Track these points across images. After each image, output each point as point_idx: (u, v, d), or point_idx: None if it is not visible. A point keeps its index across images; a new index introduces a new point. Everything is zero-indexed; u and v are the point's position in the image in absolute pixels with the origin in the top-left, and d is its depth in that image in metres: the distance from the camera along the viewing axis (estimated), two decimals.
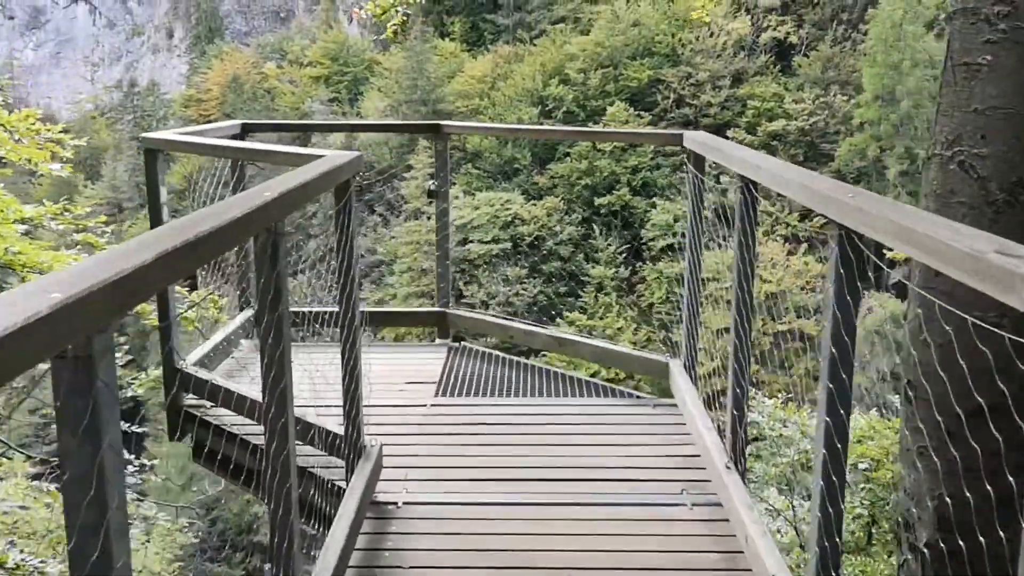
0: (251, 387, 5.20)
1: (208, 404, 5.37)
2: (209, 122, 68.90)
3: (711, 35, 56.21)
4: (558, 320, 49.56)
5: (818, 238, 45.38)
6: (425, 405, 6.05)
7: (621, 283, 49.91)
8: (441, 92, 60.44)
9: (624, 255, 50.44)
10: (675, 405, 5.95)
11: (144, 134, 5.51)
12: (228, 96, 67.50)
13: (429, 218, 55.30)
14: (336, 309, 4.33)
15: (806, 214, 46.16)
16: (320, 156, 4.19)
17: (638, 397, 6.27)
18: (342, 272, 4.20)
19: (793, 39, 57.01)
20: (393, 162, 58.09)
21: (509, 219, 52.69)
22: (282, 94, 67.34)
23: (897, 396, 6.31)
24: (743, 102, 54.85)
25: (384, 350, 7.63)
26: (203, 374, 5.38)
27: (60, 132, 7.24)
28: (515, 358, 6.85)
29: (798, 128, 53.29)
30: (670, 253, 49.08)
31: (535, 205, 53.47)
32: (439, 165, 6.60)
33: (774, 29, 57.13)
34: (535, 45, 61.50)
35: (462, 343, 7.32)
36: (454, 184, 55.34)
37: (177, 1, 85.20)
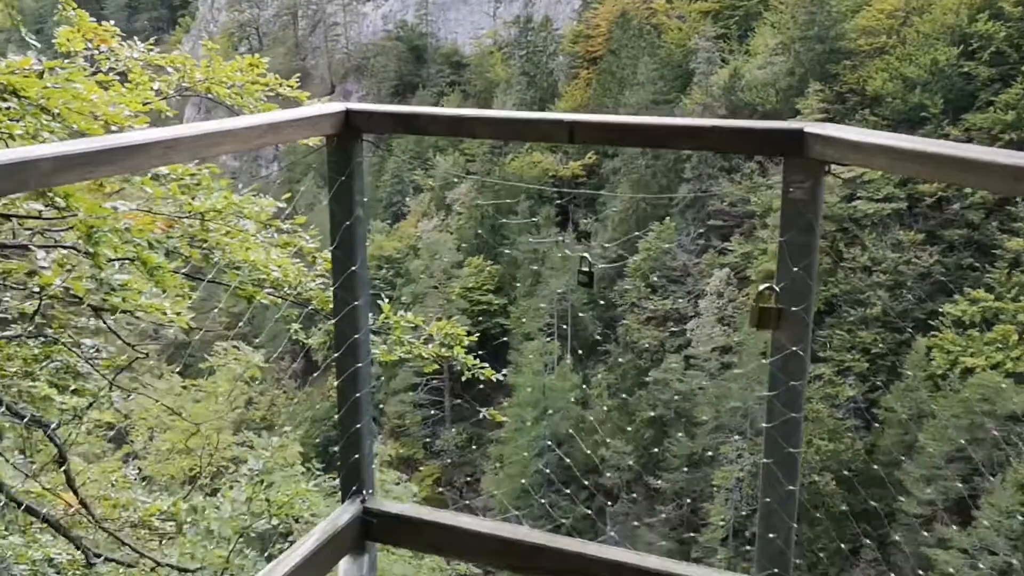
0: None
1: None
2: (595, 60, 69.04)
3: None
4: (956, 297, 42.99)
5: None
6: None
7: None
8: (842, 28, 54.38)
9: None
10: None
11: None
12: (615, 32, 66.91)
13: None
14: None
15: None
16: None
17: None
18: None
19: None
20: (778, 105, 53.73)
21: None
22: (668, 30, 65.25)
23: None
24: None
25: None
26: None
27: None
28: None
29: None
30: None
31: None
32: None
33: None
34: None
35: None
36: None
37: None
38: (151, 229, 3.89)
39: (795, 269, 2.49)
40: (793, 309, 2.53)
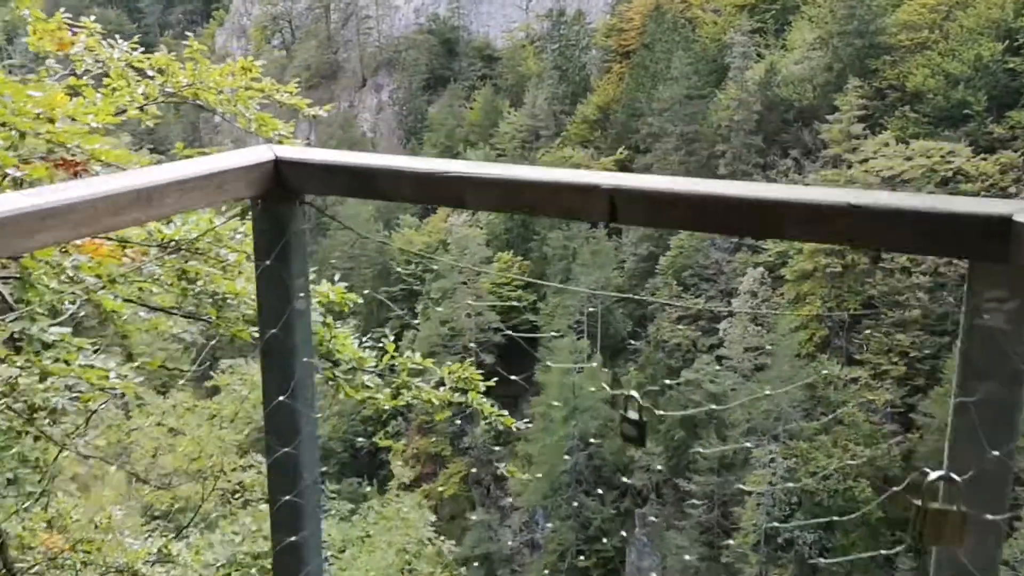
0: None
1: None
2: (628, 54, 68.12)
3: None
4: None
5: None
6: None
7: None
8: (882, 22, 53.05)
9: None
10: None
11: None
12: (648, 26, 65.94)
13: (850, 167, 49.49)
14: None
15: None
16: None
17: None
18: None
19: None
20: (815, 101, 52.58)
21: (949, 174, 45.06)
22: (703, 24, 64.18)
23: None
24: None
25: None
26: None
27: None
28: None
29: None
30: None
31: (985, 160, 45.06)
32: None
33: None
34: None
35: None
36: (885, 129, 48.64)
37: None
38: (116, 261, 3.37)
39: (993, 452, 1.48)
40: (988, 517, 1.51)
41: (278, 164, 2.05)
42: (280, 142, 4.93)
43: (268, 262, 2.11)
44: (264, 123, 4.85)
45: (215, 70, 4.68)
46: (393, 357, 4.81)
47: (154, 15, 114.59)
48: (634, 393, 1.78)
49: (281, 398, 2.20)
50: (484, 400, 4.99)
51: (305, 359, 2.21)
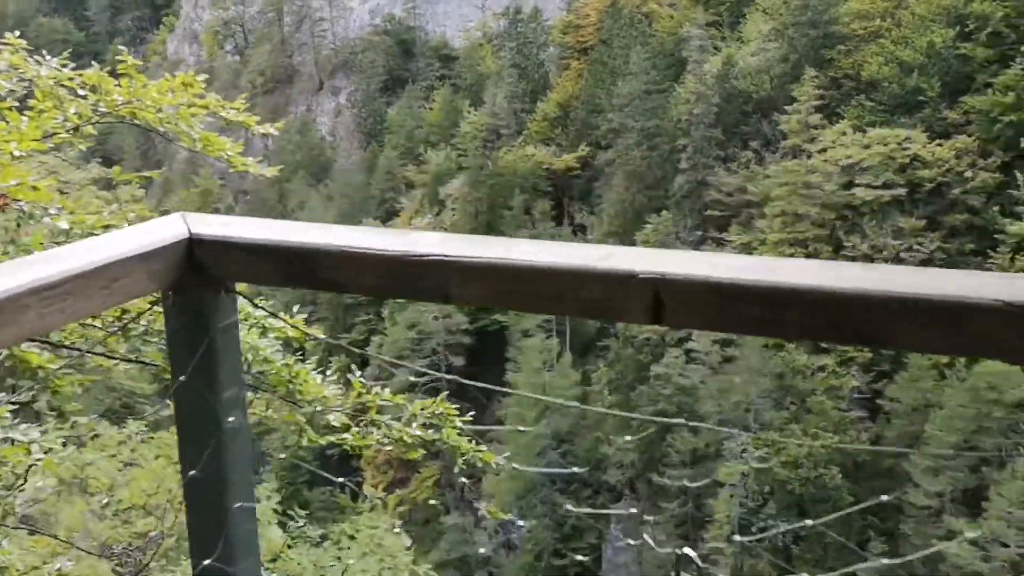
0: None
1: None
2: (585, 51, 67.90)
3: None
4: None
5: None
6: None
7: None
8: (835, 12, 53.48)
9: None
10: None
11: None
12: (605, 22, 65.94)
13: (810, 157, 49.82)
14: None
15: None
16: None
17: None
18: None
19: None
20: (773, 92, 52.88)
21: (906, 161, 45.53)
22: (659, 18, 64.31)
23: None
24: None
25: None
26: None
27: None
28: None
29: None
30: None
31: (940, 145, 45.61)
32: None
33: None
34: None
35: None
36: (842, 119, 49.00)
37: None
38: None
39: None
40: None
41: (192, 244, 1.54)
42: (229, 162, 4.62)
43: (183, 378, 1.58)
44: (210, 143, 4.53)
45: (153, 87, 4.33)
46: (360, 394, 4.51)
47: (103, 23, 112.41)
48: (688, 550, 1.41)
49: (207, 562, 1.63)
50: (460, 436, 4.67)
51: (241, 505, 1.63)
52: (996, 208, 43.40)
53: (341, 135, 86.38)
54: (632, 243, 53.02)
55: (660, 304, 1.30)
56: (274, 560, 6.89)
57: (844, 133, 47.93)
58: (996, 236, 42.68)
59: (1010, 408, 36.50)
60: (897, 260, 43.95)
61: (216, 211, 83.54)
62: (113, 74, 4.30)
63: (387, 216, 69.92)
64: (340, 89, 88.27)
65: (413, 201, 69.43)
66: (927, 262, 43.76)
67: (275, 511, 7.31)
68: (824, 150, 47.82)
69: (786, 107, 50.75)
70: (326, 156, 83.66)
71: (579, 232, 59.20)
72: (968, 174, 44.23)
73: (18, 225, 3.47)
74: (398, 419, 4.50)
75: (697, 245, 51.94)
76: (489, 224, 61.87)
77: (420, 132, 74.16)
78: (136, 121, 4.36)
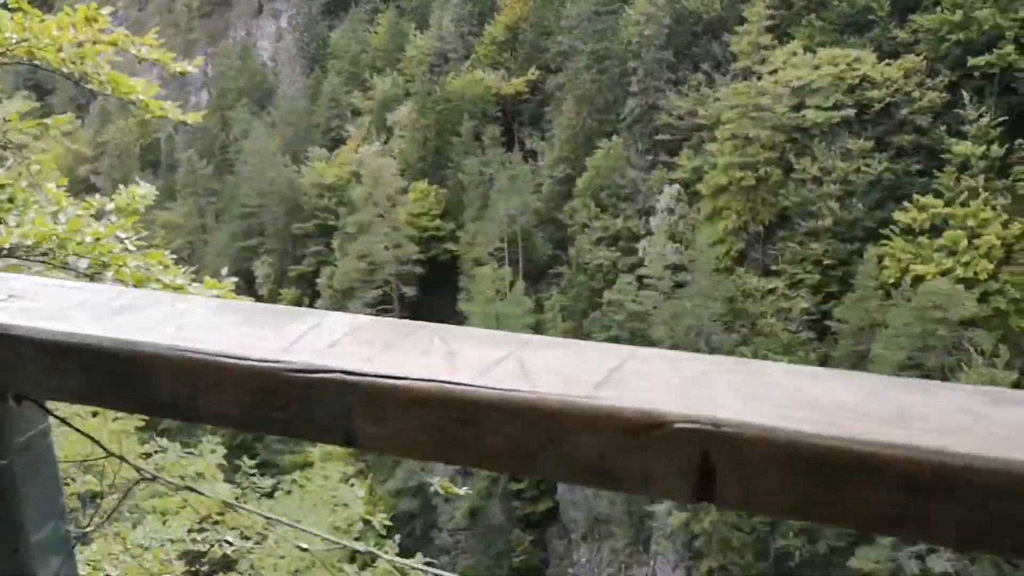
0: None
1: None
2: None
3: None
4: (905, 204, 42.79)
5: None
6: None
7: (992, 163, 41.51)
8: None
9: (1000, 128, 41.65)
10: None
11: None
12: None
13: (760, 78, 49.46)
14: None
15: None
16: None
17: None
18: None
19: None
20: (723, 12, 52.13)
21: (856, 81, 45.45)
22: None
23: None
24: None
25: None
26: None
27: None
28: None
29: None
30: None
31: (889, 65, 45.55)
32: None
33: None
34: None
35: None
36: (792, 39, 48.59)
37: None
38: None
39: None
40: None
41: None
42: (145, 106, 4.12)
43: None
44: (119, 84, 4.01)
45: (52, 22, 3.79)
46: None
47: None
48: None
49: None
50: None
51: None
52: (943, 128, 43.68)
53: (283, 60, 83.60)
54: (584, 168, 52.50)
55: (710, 477, 0.80)
56: (222, 514, 6.65)
57: (795, 54, 47.60)
58: (942, 156, 43.07)
59: (954, 326, 37.37)
60: (845, 183, 44.25)
61: (156, 142, 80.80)
62: (5, 7, 3.76)
63: (333, 144, 68.34)
64: (281, 12, 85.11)
65: (360, 128, 67.81)
66: (875, 184, 44.12)
67: (220, 467, 7.02)
68: (775, 71, 47.49)
69: (737, 28, 50.16)
70: (268, 82, 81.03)
71: (530, 158, 58.52)
72: (916, 94, 44.36)
73: None
74: None
75: (648, 170, 51.73)
76: (438, 150, 60.83)
77: (365, 57, 72.03)
78: (36, 62, 3.84)
